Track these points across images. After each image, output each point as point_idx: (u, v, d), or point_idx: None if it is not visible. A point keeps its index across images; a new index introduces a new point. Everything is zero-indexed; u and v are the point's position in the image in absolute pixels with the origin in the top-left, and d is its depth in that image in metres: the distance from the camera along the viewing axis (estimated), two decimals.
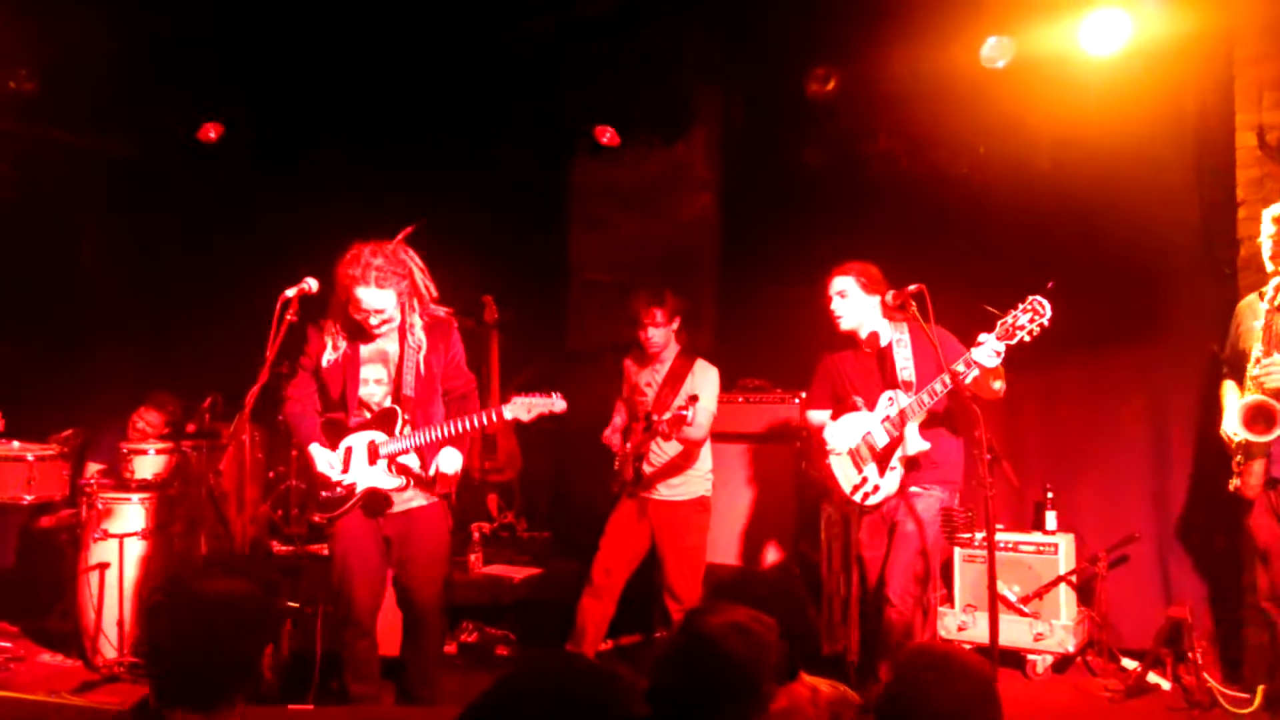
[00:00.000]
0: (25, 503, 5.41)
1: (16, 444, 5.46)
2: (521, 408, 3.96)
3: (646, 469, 4.79)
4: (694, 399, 4.50)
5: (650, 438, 4.73)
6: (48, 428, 5.84)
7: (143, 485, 5.39)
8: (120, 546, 5.12)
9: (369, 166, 7.17)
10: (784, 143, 6.56)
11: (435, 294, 4.08)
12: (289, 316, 3.99)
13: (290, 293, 4.00)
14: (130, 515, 5.25)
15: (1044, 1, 5.26)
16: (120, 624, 5.05)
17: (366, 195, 7.05)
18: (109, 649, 5.07)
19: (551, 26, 6.36)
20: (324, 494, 4.04)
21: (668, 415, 4.50)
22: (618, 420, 5.05)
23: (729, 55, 6.35)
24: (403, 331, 4.04)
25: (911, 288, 3.96)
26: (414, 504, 4.09)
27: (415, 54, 6.52)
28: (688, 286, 5.67)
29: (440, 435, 4.01)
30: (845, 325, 4.29)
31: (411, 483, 4.05)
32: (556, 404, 3.99)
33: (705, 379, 4.79)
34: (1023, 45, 5.28)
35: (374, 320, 3.95)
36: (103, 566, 5.12)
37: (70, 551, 5.36)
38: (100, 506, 5.24)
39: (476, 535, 5.82)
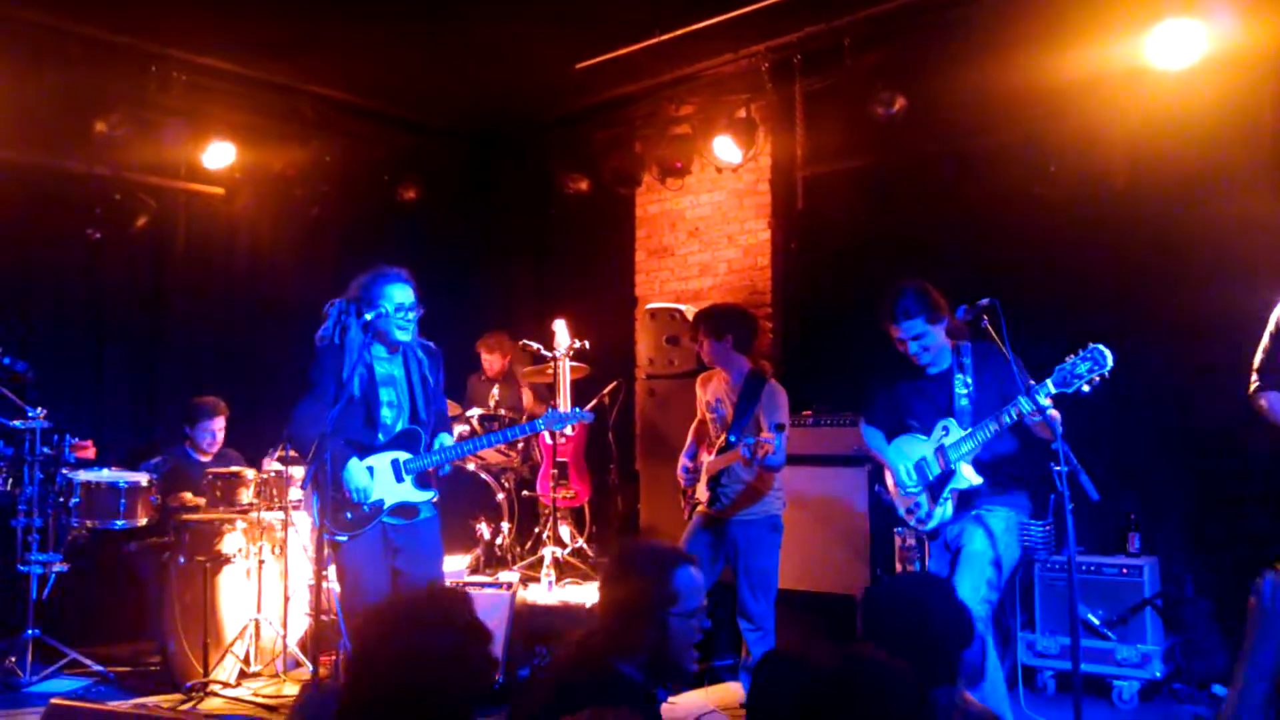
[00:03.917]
0: (116, 529, 5.57)
1: (107, 471, 5.65)
2: (555, 419, 4.51)
3: (721, 492, 4.78)
4: (780, 428, 4.47)
5: (727, 461, 4.72)
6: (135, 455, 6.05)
7: (229, 510, 5.53)
8: (205, 570, 5.27)
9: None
10: (849, 167, 6.57)
11: None
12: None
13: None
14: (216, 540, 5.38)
15: (1116, 15, 5.21)
16: (204, 647, 5.18)
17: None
18: (195, 672, 5.19)
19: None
20: (349, 513, 4.07)
21: (750, 440, 4.41)
22: (688, 456, 5.05)
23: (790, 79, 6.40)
24: (406, 357, 4.24)
25: (983, 301, 3.79)
26: (423, 514, 4.24)
27: None
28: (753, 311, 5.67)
29: (468, 450, 4.43)
30: (934, 370, 4.12)
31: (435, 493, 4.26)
32: (586, 415, 4.71)
33: (777, 402, 4.76)
34: (1094, 60, 5.22)
35: (411, 318, 4.14)
36: (190, 591, 5.27)
37: (158, 576, 5.50)
38: (186, 534, 5.38)
39: (550, 560, 5.86)
